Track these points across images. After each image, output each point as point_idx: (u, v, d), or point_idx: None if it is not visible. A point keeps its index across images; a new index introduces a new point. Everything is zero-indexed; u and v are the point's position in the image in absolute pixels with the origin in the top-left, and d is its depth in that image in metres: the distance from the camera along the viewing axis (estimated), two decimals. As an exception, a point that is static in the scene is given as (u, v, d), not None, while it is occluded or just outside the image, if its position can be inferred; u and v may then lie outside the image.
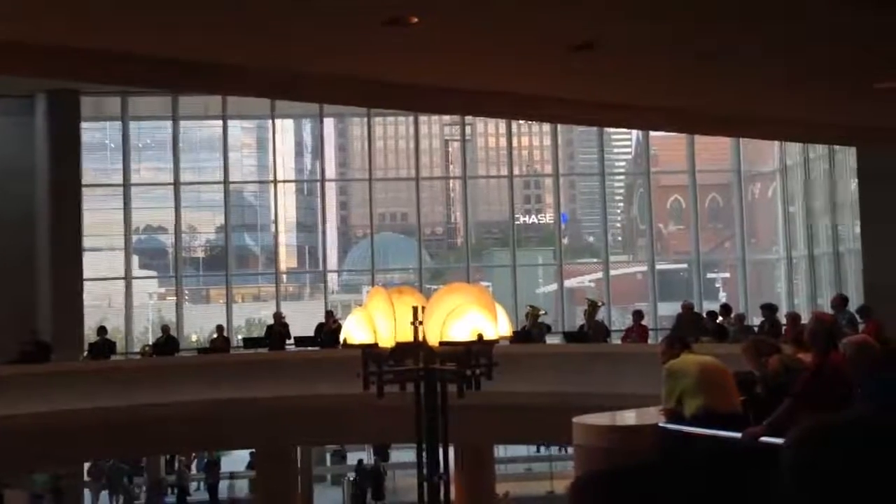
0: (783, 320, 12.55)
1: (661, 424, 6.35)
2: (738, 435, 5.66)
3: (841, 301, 12.49)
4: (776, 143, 19.06)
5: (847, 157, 16.97)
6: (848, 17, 6.10)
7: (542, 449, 25.02)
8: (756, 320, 14.41)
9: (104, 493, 22.37)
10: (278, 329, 15.36)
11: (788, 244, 19.50)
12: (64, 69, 8.16)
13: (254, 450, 19.30)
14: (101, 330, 15.32)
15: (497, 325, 4.66)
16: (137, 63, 6.96)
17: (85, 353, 15.34)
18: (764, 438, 5.35)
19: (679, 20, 6.22)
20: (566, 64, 7.13)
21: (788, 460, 1.41)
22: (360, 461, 22.93)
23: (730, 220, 20.86)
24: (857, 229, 16.57)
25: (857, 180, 16.45)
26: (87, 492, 20.89)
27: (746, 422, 5.86)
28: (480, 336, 4.49)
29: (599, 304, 15.62)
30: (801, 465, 1.39)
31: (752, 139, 18.90)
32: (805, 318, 9.88)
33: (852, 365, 5.13)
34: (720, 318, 13.87)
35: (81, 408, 12.70)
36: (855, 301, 14.06)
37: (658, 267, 20.44)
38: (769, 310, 12.75)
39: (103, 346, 14.94)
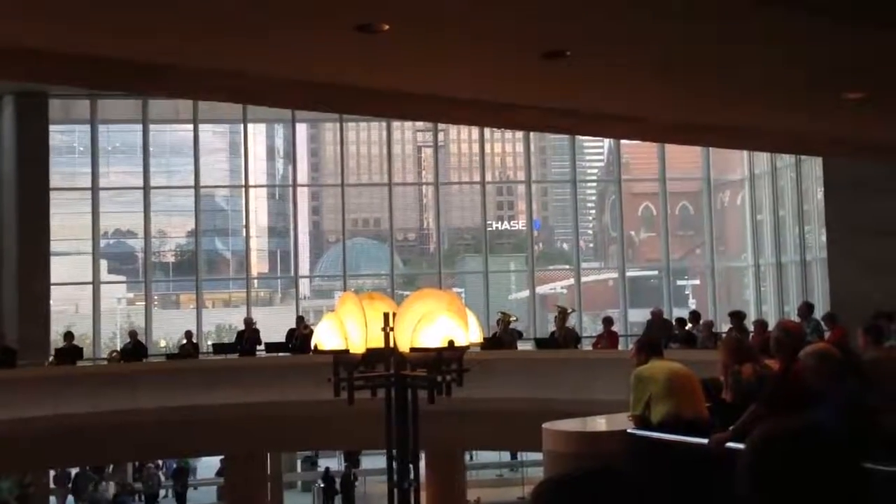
0: (751, 327, 12.70)
1: (629, 430, 6.42)
2: (705, 441, 5.74)
3: (807, 309, 12.68)
4: (744, 151, 19.30)
5: (813, 166, 17.23)
6: (812, 28, 6.22)
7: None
8: (724, 327, 14.57)
9: (70, 499, 22.09)
10: (249, 335, 15.27)
11: (756, 252, 19.74)
12: (29, 72, 8.07)
13: (223, 456, 19.17)
14: (68, 335, 15.13)
15: (468, 332, 4.69)
16: (102, 66, 6.90)
17: (51, 359, 15.14)
18: (730, 444, 5.42)
19: (647, 28, 6.29)
20: (538, 72, 7.18)
21: (744, 464, 1.44)
22: (328, 469, 22.87)
23: (700, 227, 21.09)
24: (823, 238, 16.81)
25: (822, 190, 16.70)
26: (52, 499, 20.59)
27: (713, 428, 5.94)
28: (451, 342, 4.51)
29: (569, 310, 15.70)
30: (755, 468, 1.42)
31: (720, 148, 19.11)
32: (772, 326, 10.00)
33: (812, 373, 5.21)
34: (689, 325, 14.00)
35: (47, 414, 12.53)
36: (821, 308, 14.27)
37: (629, 274, 20.61)
38: (737, 317, 12.89)
39: (70, 351, 14.76)
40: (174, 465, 23.36)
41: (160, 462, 23.53)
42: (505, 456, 25.23)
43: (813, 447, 1.43)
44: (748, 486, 1.43)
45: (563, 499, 1.37)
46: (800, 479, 1.41)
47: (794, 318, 13.33)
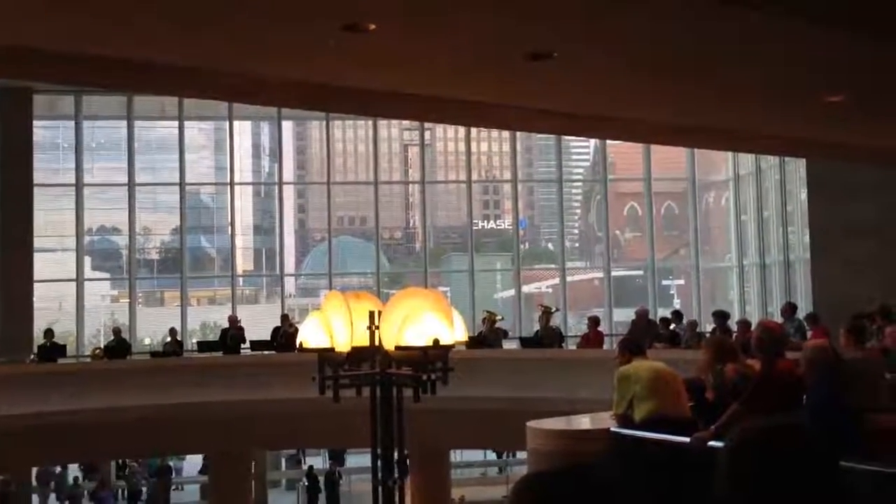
0: (734, 327, 12.78)
1: (612, 429, 6.46)
2: (687, 439, 5.78)
3: (790, 309, 12.78)
4: (729, 152, 19.41)
5: (797, 167, 17.35)
6: (796, 30, 6.28)
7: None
8: (708, 327, 14.65)
9: (52, 497, 21.97)
10: (233, 333, 15.21)
11: (741, 252, 19.86)
12: (14, 68, 8.02)
13: (207, 455, 19.10)
14: (48, 332, 15.05)
15: (453, 330, 4.70)
16: (90, 64, 6.87)
17: (33, 356, 15.04)
18: (712, 443, 5.47)
19: (638, 31, 6.33)
20: (523, 73, 7.20)
21: (721, 464, 1.46)
22: (311, 467, 22.83)
23: (684, 227, 21.19)
24: (807, 239, 16.93)
25: (806, 191, 16.82)
26: (35, 497, 20.46)
27: (695, 427, 5.99)
28: (436, 341, 4.52)
29: (553, 309, 15.74)
30: (732, 468, 1.45)
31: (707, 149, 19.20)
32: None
33: (808, 369, 5.27)
34: (672, 325, 14.07)
35: (30, 412, 12.45)
36: (804, 309, 14.37)
37: (614, 273, 20.68)
38: (720, 317, 12.96)
39: (52, 349, 14.67)
40: (156, 464, 23.22)
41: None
42: (490, 454, 25.25)
43: (790, 447, 1.46)
44: (726, 486, 1.45)
45: (543, 495, 1.39)
46: (776, 479, 1.43)
47: (778, 318, 13.42)
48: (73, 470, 22.24)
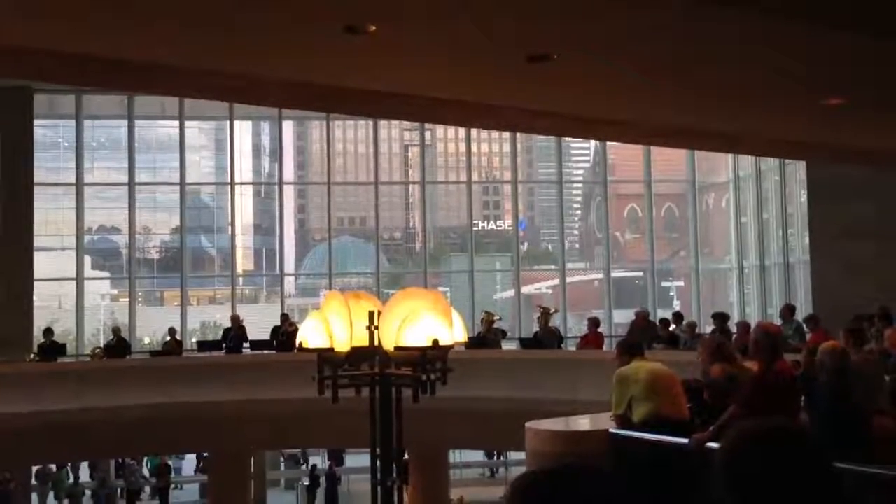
0: (734, 329, 12.78)
1: (611, 430, 6.47)
2: (685, 440, 5.80)
3: (789, 311, 12.79)
4: (729, 154, 19.42)
5: (797, 169, 17.35)
6: (793, 33, 6.28)
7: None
8: (708, 329, 14.66)
9: (51, 496, 21.98)
10: (236, 332, 15.22)
11: (740, 254, 19.87)
12: (14, 68, 8.03)
13: (206, 454, 19.12)
14: (48, 331, 15.05)
15: (452, 331, 4.71)
16: (90, 64, 6.88)
17: (33, 355, 15.05)
18: (710, 444, 5.48)
19: (637, 34, 6.33)
20: (523, 73, 7.21)
21: (718, 464, 1.48)
22: (314, 466, 22.85)
23: (684, 229, 21.20)
24: (807, 241, 16.94)
25: (806, 193, 16.82)
26: (34, 496, 20.47)
27: (694, 428, 6.00)
28: (436, 341, 4.53)
29: (552, 310, 15.75)
30: (728, 468, 1.46)
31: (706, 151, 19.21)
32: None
33: (819, 370, 5.31)
34: (672, 326, 14.08)
35: (29, 410, 12.46)
36: (803, 311, 14.38)
37: (614, 274, 20.69)
38: (720, 319, 12.97)
39: (51, 347, 14.67)
40: (155, 463, 23.23)
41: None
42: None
43: (785, 447, 1.47)
44: (722, 486, 1.47)
45: (541, 492, 1.40)
46: (771, 480, 1.44)
47: (777, 320, 13.42)
48: (76, 469, 22.24)
